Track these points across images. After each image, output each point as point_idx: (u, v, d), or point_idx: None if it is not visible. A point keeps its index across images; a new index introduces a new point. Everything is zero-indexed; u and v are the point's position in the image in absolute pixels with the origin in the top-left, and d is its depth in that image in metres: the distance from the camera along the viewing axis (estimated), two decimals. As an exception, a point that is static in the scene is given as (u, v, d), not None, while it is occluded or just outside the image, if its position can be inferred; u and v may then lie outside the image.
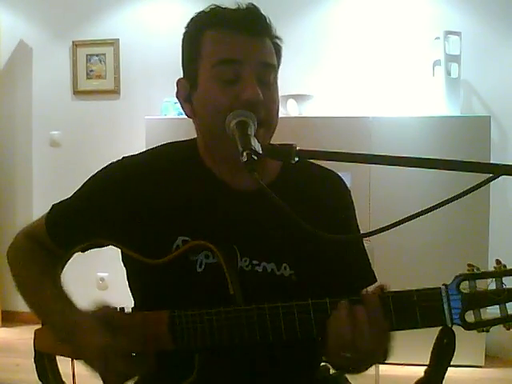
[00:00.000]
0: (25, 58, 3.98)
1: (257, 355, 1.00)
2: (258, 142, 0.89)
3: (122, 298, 1.17)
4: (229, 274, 0.96)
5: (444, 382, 0.93)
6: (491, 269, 0.84)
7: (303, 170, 1.08)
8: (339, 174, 1.15)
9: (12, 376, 2.93)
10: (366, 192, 3.06)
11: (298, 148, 0.88)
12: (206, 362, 0.96)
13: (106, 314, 0.97)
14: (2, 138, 4.05)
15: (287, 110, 3.24)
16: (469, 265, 0.85)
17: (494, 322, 0.82)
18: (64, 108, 3.94)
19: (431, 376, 0.92)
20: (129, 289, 1.11)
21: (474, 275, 0.84)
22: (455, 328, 0.85)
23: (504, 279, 0.82)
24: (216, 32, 1.00)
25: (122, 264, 1.10)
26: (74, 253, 1.12)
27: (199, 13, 1.04)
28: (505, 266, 0.83)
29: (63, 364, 1.13)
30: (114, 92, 3.87)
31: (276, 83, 1.04)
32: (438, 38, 3.21)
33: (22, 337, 3.57)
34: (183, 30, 1.07)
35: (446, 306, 0.83)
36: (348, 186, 1.16)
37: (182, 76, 1.07)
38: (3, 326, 3.87)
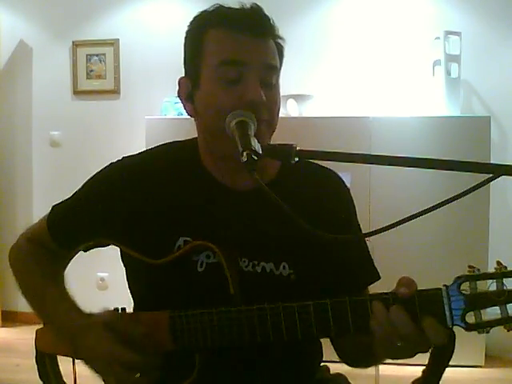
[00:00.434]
0: (25, 57, 3.98)
1: (257, 355, 1.00)
2: (259, 141, 0.89)
3: (122, 298, 1.17)
4: (229, 274, 0.96)
5: (444, 381, 0.93)
6: (491, 269, 0.84)
7: (302, 170, 1.08)
8: (338, 174, 1.15)
9: (12, 376, 2.93)
10: (366, 192, 3.06)
11: (298, 148, 0.88)
12: (207, 362, 0.96)
13: (111, 320, 0.97)
14: (2, 137, 4.05)
15: (287, 109, 3.24)
16: (469, 266, 0.85)
17: (494, 323, 0.82)
18: (64, 108, 3.94)
19: (428, 376, 0.92)
20: (128, 289, 1.11)
21: (474, 276, 0.83)
22: (455, 329, 0.85)
23: (505, 280, 0.82)
24: (220, 31, 1.00)
25: (122, 264, 1.10)
26: (76, 253, 1.12)
27: (203, 11, 1.03)
28: (505, 268, 0.83)
29: (64, 364, 1.13)
30: (114, 92, 3.87)
31: (278, 84, 1.04)
32: (438, 38, 3.21)
33: (22, 337, 3.57)
34: (183, 30, 1.06)
35: (446, 307, 0.83)
36: (348, 185, 1.16)
37: (182, 75, 1.07)
38: (3, 326, 3.87)
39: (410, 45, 3.43)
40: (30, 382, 1.33)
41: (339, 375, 1.23)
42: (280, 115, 1.07)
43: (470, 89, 3.40)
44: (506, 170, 0.79)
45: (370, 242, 1.09)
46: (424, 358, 0.92)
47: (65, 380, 1.14)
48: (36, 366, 1.15)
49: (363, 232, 1.12)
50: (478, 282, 0.83)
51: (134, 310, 1.11)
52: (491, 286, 0.83)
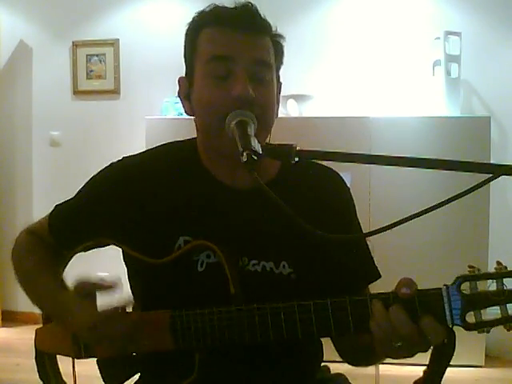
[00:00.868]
0: (25, 58, 3.98)
1: (257, 355, 1.00)
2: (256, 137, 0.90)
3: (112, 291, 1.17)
4: (230, 273, 0.96)
5: (444, 381, 0.93)
6: (491, 269, 0.84)
7: (302, 169, 1.08)
8: (338, 173, 1.15)
9: (12, 376, 2.93)
10: (366, 192, 3.07)
11: (298, 148, 0.88)
12: (207, 362, 0.96)
13: (85, 287, 0.98)
14: (2, 137, 4.05)
15: (287, 110, 3.25)
16: (470, 266, 0.85)
17: (494, 322, 0.82)
18: (64, 108, 3.94)
19: (430, 376, 0.92)
20: (129, 289, 1.11)
21: (474, 276, 0.84)
22: (456, 328, 0.85)
23: (504, 280, 0.82)
24: (211, 30, 1.01)
25: (124, 263, 1.11)
26: (76, 252, 1.12)
27: (199, 12, 1.05)
28: (505, 268, 0.83)
29: (64, 364, 1.13)
30: (114, 92, 3.87)
31: (273, 81, 1.03)
32: (438, 38, 3.21)
33: (22, 337, 3.57)
34: (183, 30, 1.07)
35: (447, 307, 0.83)
36: (348, 185, 1.16)
37: (181, 76, 1.08)
38: (3, 326, 3.87)
39: (410, 45, 3.43)
40: (29, 382, 1.33)
41: (339, 375, 1.23)
42: (280, 115, 1.07)
43: (470, 89, 3.40)
44: (506, 170, 0.79)
45: (370, 242, 1.10)
46: (424, 357, 0.92)
47: (64, 379, 1.13)
48: (36, 366, 1.15)
49: (363, 232, 1.12)
50: (478, 282, 0.83)
51: (134, 309, 1.11)
52: (491, 285, 0.83)
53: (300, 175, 1.09)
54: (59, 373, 1.14)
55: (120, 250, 1.09)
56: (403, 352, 0.85)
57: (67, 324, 1.01)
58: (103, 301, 0.98)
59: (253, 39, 1.00)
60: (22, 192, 4.06)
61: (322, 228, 0.83)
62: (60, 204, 1.17)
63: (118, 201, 1.07)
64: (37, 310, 1.14)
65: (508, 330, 0.82)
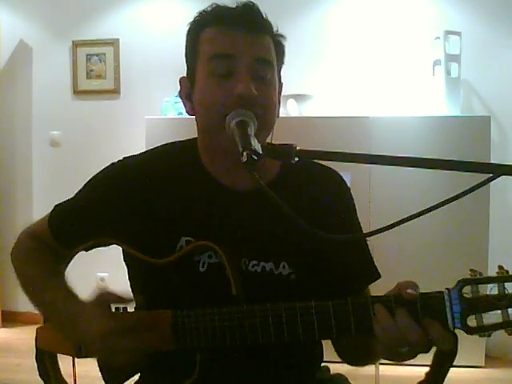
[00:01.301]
0: (25, 58, 3.98)
1: (258, 355, 1.00)
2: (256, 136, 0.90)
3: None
4: (231, 274, 0.96)
5: (444, 382, 0.93)
6: (491, 269, 0.84)
7: (303, 169, 1.08)
8: (338, 172, 1.15)
9: (12, 376, 2.93)
10: (366, 192, 3.07)
11: (298, 148, 0.88)
12: (208, 362, 0.96)
13: (104, 299, 0.97)
14: (2, 138, 4.05)
15: (287, 110, 3.24)
16: (471, 270, 0.85)
17: (495, 327, 0.82)
18: (64, 108, 3.94)
19: (432, 378, 0.92)
20: (130, 289, 1.11)
21: (476, 280, 0.84)
22: (457, 331, 0.85)
23: (506, 284, 0.82)
24: (213, 29, 1.01)
25: (124, 263, 1.11)
26: (77, 252, 1.12)
27: (201, 12, 1.05)
28: (507, 272, 0.84)
29: (64, 364, 1.13)
30: (114, 92, 3.87)
31: (274, 80, 1.03)
32: (438, 38, 3.21)
33: (21, 337, 3.57)
34: (183, 30, 1.07)
35: (448, 310, 0.83)
36: (348, 184, 1.16)
37: (183, 75, 1.08)
38: (3, 326, 3.87)
39: (410, 45, 3.43)
40: (30, 382, 1.33)
41: (339, 375, 1.23)
42: (280, 115, 1.07)
43: (470, 89, 3.40)
44: (506, 170, 0.79)
45: (370, 242, 1.10)
46: (424, 357, 0.92)
47: (65, 379, 1.13)
48: (36, 365, 1.15)
49: (363, 232, 1.12)
50: (479, 286, 0.83)
51: (135, 309, 1.11)
52: (493, 289, 0.83)
53: (300, 175, 1.08)
54: (59, 372, 1.14)
55: (120, 249, 1.09)
56: (407, 355, 0.85)
57: (76, 331, 0.97)
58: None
59: (254, 38, 1.00)
60: (22, 192, 4.06)
61: (322, 228, 0.83)
62: (60, 204, 1.17)
63: (119, 201, 1.07)
64: (37, 310, 1.13)
65: (509, 334, 0.82)
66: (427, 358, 0.91)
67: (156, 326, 0.96)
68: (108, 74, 3.87)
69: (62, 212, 1.16)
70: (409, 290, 0.84)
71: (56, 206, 1.17)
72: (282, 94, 1.11)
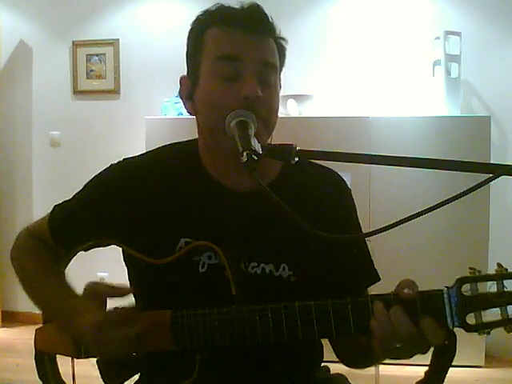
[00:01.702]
0: (25, 58, 3.98)
1: (258, 355, 1.00)
2: (257, 140, 0.89)
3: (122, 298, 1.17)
4: (231, 274, 0.96)
5: (444, 382, 0.93)
6: (491, 269, 0.84)
7: (303, 170, 1.08)
8: (339, 174, 1.15)
9: (12, 376, 2.93)
10: (366, 192, 3.06)
11: (298, 148, 0.88)
12: (207, 362, 0.96)
13: (98, 292, 0.98)
14: (2, 138, 4.05)
15: (287, 110, 3.24)
16: (470, 268, 0.85)
17: (494, 324, 0.83)
18: (64, 108, 3.94)
19: (431, 377, 0.92)
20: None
21: (475, 278, 0.84)
22: (456, 330, 0.85)
23: (505, 282, 0.83)
24: (218, 29, 1.00)
25: (124, 264, 1.11)
26: (76, 252, 1.12)
27: (204, 11, 1.04)
28: (506, 270, 0.84)
29: (63, 365, 1.13)
30: (114, 92, 3.87)
31: (277, 83, 1.04)
32: (438, 38, 3.21)
33: (21, 337, 3.57)
34: (183, 30, 1.07)
35: (447, 308, 0.83)
36: (348, 185, 1.16)
37: (183, 75, 1.08)
38: (3, 326, 3.87)
39: (410, 45, 3.43)
40: (29, 382, 1.33)
41: (339, 375, 1.23)
42: (280, 115, 1.07)
43: (470, 89, 3.40)
44: (506, 170, 0.79)
45: (370, 242, 1.09)
46: (424, 357, 0.92)
47: (64, 380, 1.13)
48: (35, 366, 1.14)
49: (363, 232, 1.12)
50: (478, 284, 0.83)
51: (135, 309, 1.11)
52: (492, 287, 0.83)
53: (301, 176, 1.08)
54: (59, 373, 1.14)
55: (120, 249, 1.09)
56: (402, 353, 0.86)
57: (72, 326, 0.98)
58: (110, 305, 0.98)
59: (260, 41, 1.00)
60: (22, 192, 4.06)
61: (322, 229, 0.83)
62: (59, 204, 1.17)
63: (119, 202, 1.07)
64: (37, 310, 1.13)
65: (508, 332, 0.83)
66: (427, 357, 0.91)
67: (156, 325, 0.96)
68: (108, 74, 3.87)
69: (61, 213, 1.16)
70: (406, 290, 0.84)
71: (55, 206, 1.17)
72: (282, 94, 1.11)
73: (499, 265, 0.84)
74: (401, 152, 0.91)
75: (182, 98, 1.08)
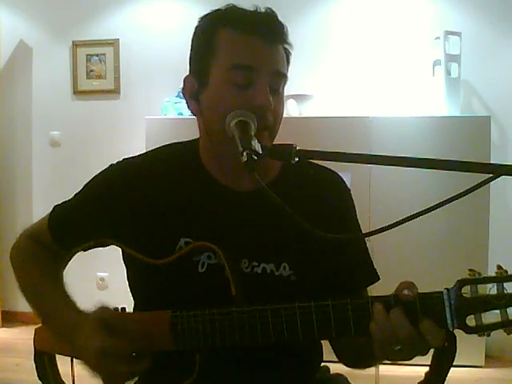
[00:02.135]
0: (25, 58, 3.98)
1: (257, 356, 1.00)
2: (262, 144, 0.89)
3: (122, 298, 1.17)
4: (231, 274, 0.96)
5: (444, 382, 0.93)
6: (491, 269, 0.84)
7: (303, 170, 1.08)
8: (339, 174, 1.15)
9: (12, 376, 2.93)
10: (366, 192, 3.06)
11: (298, 148, 0.88)
12: (207, 362, 0.96)
13: (106, 315, 0.97)
14: (2, 137, 4.05)
15: (287, 110, 3.24)
16: (470, 270, 0.85)
17: (494, 326, 0.83)
18: (64, 108, 3.94)
19: (431, 379, 0.92)
20: (129, 289, 1.11)
21: (475, 280, 0.84)
22: (456, 331, 0.85)
23: (505, 284, 0.82)
24: (233, 32, 0.98)
25: (123, 263, 1.10)
26: (76, 252, 1.12)
27: (215, 10, 1.02)
28: (506, 272, 0.84)
29: (63, 364, 1.13)
30: (114, 92, 3.87)
31: (283, 91, 1.04)
32: (438, 38, 3.21)
33: (21, 337, 3.57)
34: (183, 30, 1.06)
35: (447, 310, 0.83)
36: (348, 185, 1.16)
37: (184, 74, 1.07)
38: (3, 326, 3.87)
39: (410, 45, 3.43)
40: (29, 382, 1.33)
41: (339, 375, 1.23)
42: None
43: (470, 89, 3.40)
44: (506, 170, 0.79)
45: (370, 242, 1.10)
46: (425, 357, 0.92)
47: (63, 380, 1.13)
48: (34, 366, 1.14)
49: (363, 232, 1.12)
50: (478, 286, 0.83)
51: (134, 309, 1.11)
52: (492, 289, 0.83)
53: (301, 176, 1.08)
54: (58, 372, 1.14)
55: (120, 249, 1.09)
56: (402, 355, 0.85)
57: (74, 347, 0.98)
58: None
59: (274, 50, 0.99)
60: (22, 192, 4.06)
61: (321, 229, 0.82)
62: (59, 205, 1.16)
63: (119, 202, 1.06)
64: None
65: (508, 334, 0.83)
66: (427, 357, 0.91)
67: (155, 326, 0.96)
68: (108, 74, 3.87)
69: (61, 213, 1.15)
70: (405, 291, 0.84)
71: (55, 206, 1.17)
72: (282, 93, 1.11)
73: (499, 267, 0.84)
74: (401, 152, 0.91)
75: (185, 97, 1.07)
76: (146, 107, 3.68)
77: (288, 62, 1.05)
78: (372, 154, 0.89)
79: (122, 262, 1.11)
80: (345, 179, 1.16)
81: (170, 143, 1.15)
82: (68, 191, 1.16)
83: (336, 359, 1.12)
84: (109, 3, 3.86)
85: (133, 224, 1.05)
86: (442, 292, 0.84)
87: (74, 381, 1.11)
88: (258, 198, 0.92)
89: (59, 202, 1.17)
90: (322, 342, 1.14)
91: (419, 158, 0.84)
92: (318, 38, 3.57)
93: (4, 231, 3.89)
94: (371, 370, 2.55)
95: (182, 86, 1.06)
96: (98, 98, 3.90)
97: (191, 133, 1.12)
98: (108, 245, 1.10)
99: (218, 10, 1.02)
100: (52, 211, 1.16)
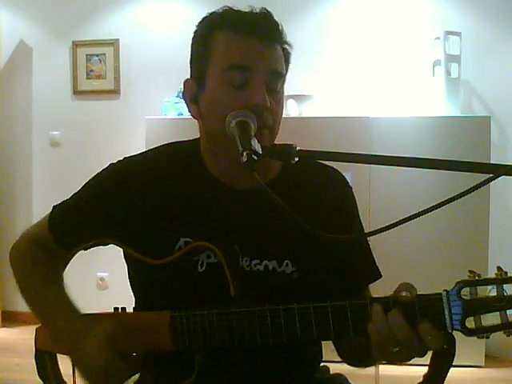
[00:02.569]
0: (25, 58, 3.98)
1: (257, 356, 1.00)
2: (261, 144, 0.89)
3: (122, 298, 1.17)
4: (230, 274, 0.96)
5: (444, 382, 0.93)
6: (491, 269, 0.84)
7: (304, 168, 1.08)
8: (341, 172, 1.15)
9: (12, 376, 2.93)
10: (366, 192, 3.06)
11: (298, 148, 0.88)
12: (206, 363, 0.96)
13: (110, 329, 0.96)
14: (2, 137, 4.04)
15: (287, 110, 3.24)
16: (470, 271, 0.85)
17: (494, 328, 0.82)
18: (64, 108, 3.94)
19: (430, 380, 0.92)
20: (130, 288, 1.11)
21: (475, 282, 0.84)
22: (455, 333, 0.85)
23: (505, 286, 0.82)
24: (228, 34, 0.99)
25: (125, 262, 1.10)
26: (76, 252, 1.12)
27: (212, 13, 1.03)
28: (506, 274, 0.83)
29: (63, 363, 1.13)
30: (114, 92, 3.87)
31: (282, 90, 1.04)
32: (438, 38, 3.21)
33: (21, 337, 3.57)
34: (183, 30, 1.07)
35: (446, 312, 0.83)
36: (349, 183, 1.16)
37: (183, 75, 1.07)
38: (3, 326, 3.87)
39: (410, 45, 3.43)
40: (29, 382, 1.33)
41: (339, 375, 1.23)
42: (280, 116, 1.07)
43: (470, 89, 3.40)
44: (506, 170, 0.79)
45: (370, 241, 1.09)
46: (425, 357, 0.92)
47: (64, 379, 1.13)
48: (35, 365, 1.14)
49: (364, 229, 1.12)
50: (478, 287, 0.83)
51: (134, 308, 1.11)
52: (491, 291, 0.83)
53: (302, 175, 1.08)
54: (59, 371, 1.13)
55: (120, 249, 1.09)
56: (400, 357, 0.86)
57: (75, 356, 0.98)
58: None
59: (270, 50, 0.99)
60: (22, 192, 4.06)
61: (323, 228, 0.82)
62: (59, 204, 1.16)
63: (119, 201, 1.06)
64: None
65: (508, 336, 0.83)
66: (427, 357, 0.91)
67: (154, 326, 0.96)
68: (108, 74, 3.87)
69: (61, 212, 1.15)
70: (403, 293, 0.84)
71: (55, 206, 1.16)
72: (283, 94, 1.11)
73: (499, 268, 0.84)
74: (401, 152, 0.91)
75: (185, 101, 1.07)
76: (146, 107, 3.67)
77: (287, 61, 1.05)
78: (372, 154, 0.89)
79: (124, 260, 1.11)
80: (347, 179, 1.16)
81: (172, 142, 1.14)
82: (68, 191, 1.16)
83: (336, 359, 1.12)
84: (109, 3, 3.86)
85: (133, 223, 1.05)
86: (441, 294, 0.84)
87: (74, 381, 1.11)
88: (258, 197, 0.92)
89: (58, 202, 1.17)
90: (322, 342, 1.14)
91: (419, 158, 0.84)
92: (318, 38, 3.57)
93: (4, 231, 3.89)
94: (371, 370, 2.55)
95: (181, 87, 1.06)
96: (97, 98, 3.90)
97: (191, 133, 1.12)
98: (108, 244, 1.10)
99: (213, 12, 1.03)
100: (52, 211, 1.16)
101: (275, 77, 1.00)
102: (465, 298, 0.83)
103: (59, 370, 1.14)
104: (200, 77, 1.02)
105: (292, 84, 1.06)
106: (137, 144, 3.13)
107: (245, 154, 0.85)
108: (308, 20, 3.58)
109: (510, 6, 3.37)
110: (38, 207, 3.95)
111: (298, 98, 3.26)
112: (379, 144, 3.04)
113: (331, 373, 1.23)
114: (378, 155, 0.86)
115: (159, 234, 1.03)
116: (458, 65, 3.17)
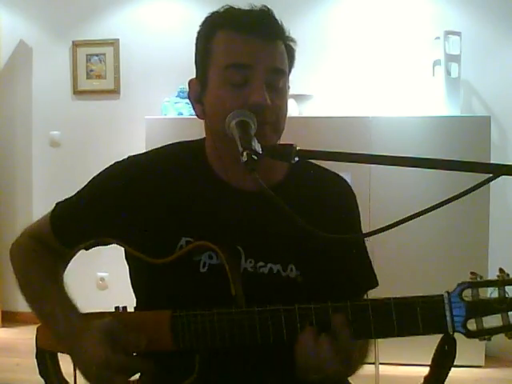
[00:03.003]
0: (25, 58, 3.98)
1: (257, 356, 1.00)
2: (264, 143, 0.89)
3: (122, 297, 1.17)
4: (231, 275, 0.96)
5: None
6: (491, 269, 0.84)
7: (310, 173, 1.08)
8: (345, 179, 1.15)
9: (12, 376, 2.94)
10: (366, 192, 3.06)
11: (298, 148, 0.88)
12: (207, 363, 0.96)
13: (109, 324, 0.96)
14: (2, 137, 4.05)
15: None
16: (472, 273, 0.85)
17: (495, 330, 0.82)
18: (64, 108, 3.94)
19: (431, 381, 0.92)
20: (131, 287, 1.11)
21: (476, 283, 0.83)
22: (456, 335, 0.85)
23: (506, 288, 0.82)
24: (228, 33, 0.99)
25: (126, 262, 1.10)
26: (77, 251, 1.12)
27: (213, 13, 1.03)
28: (508, 275, 0.83)
29: (64, 363, 1.13)
30: (114, 92, 3.87)
31: (285, 88, 1.03)
32: (438, 38, 3.21)
33: (21, 337, 3.57)
34: (183, 30, 1.09)
35: (448, 314, 0.83)
36: (353, 191, 1.16)
37: (182, 76, 1.07)
38: (3, 326, 3.87)
39: (410, 45, 3.43)
40: (30, 382, 1.33)
41: (339, 375, 1.22)
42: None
43: (470, 89, 3.40)
44: (506, 170, 0.79)
45: (370, 242, 1.09)
46: (424, 358, 0.92)
47: (65, 378, 1.13)
48: (36, 364, 1.14)
49: (365, 243, 1.12)
50: (479, 289, 0.83)
51: (135, 307, 1.11)
52: (493, 293, 0.83)
53: (307, 179, 1.09)
54: (60, 370, 1.13)
55: (122, 249, 1.09)
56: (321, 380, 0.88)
57: (74, 355, 0.98)
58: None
59: (270, 47, 0.99)
60: (22, 192, 4.06)
61: (325, 232, 0.82)
62: (61, 202, 1.16)
63: (122, 199, 1.06)
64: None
65: (509, 338, 0.82)
66: (428, 357, 0.91)
67: (155, 325, 0.96)
68: (108, 74, 3.87)
69: (63, 210, 1.15)
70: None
71: (57, 203, 1.16)
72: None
73: (501, 270, 0.84)
74: (401, 152, 0.91)
75: (190, 101, 1.07)
76: (146, 107, 3.68)
77: (290, 56, 1.05)
78: (372, 154, 0.89)
79: (125, 260, 1.11)
80: (350, 184, 1.16)
81: (177, 142, 1.14)
82: (68, 191, 1.16)
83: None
84: (109, 3, 3.86)
85: (134, 222, 1.05)
86: (442, 295, 0.84)
87: (75, 379, 1.11)
88: (264, 198, 0.92)
89: (61, 200, 1.17)
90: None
91: (419, 158, 0.84)
92: (318, 37, 3.57)
93: (4, 231, 3.89)
94: (371, 370, 2.55)
95: (183, 87, 1.06)
96: (97, 98, 3.90)
97: (191, 133, 1.12)
98: (110, 243, 1.09)
99: (215, 12, 1.03)
100: (54, 208, 1.16)
101: (276, 74, 1.00)
102: (466, 299, 0.83)
103: (60, 368, 1.14)
104: (202, 77, 1.02)
105: (292, 84, 1.06)
106: (137, 144, 3.13)
107: (245, 153, 0.85)
108: (308, 20, 3.58)
109: (509, 6, 3.37)
110: (38, 207, 3.96)
111: (298, 97, 3.27)
112: (379, 144, 3.04)
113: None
114: (378, 155, 0.86)
115: (161, 232, 1.03)
116: (457, 65, 3.18)
